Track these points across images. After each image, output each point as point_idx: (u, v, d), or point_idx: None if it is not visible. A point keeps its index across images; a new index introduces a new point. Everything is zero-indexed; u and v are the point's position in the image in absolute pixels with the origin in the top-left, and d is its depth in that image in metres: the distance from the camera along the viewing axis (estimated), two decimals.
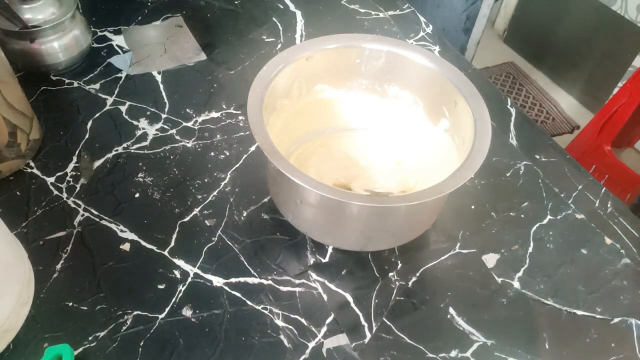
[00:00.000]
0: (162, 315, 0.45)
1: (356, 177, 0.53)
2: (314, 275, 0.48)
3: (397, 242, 0.49)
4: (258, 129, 0.43)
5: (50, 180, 0.53)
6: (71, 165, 0.54)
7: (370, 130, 0.57)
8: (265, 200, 0.53)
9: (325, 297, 0.47)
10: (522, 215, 0.54)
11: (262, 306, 0.46)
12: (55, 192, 0.52)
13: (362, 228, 0.46)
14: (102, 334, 0.43)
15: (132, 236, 0.49)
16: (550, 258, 0.51)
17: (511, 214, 0.54)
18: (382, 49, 0.51)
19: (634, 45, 1.42)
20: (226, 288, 0.47)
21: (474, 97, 0.47)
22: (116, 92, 0.61)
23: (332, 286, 0.48)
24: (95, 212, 0.51)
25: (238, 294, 0.47)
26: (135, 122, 0.59)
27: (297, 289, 0.47)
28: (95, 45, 0.66)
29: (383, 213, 0.44)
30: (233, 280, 0.47)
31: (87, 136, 0.57)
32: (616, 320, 0.47)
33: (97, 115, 0.59)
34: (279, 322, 0.45)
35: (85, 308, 0.45)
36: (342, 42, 0.51)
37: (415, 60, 0.50)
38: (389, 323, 0.46)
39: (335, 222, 0.46)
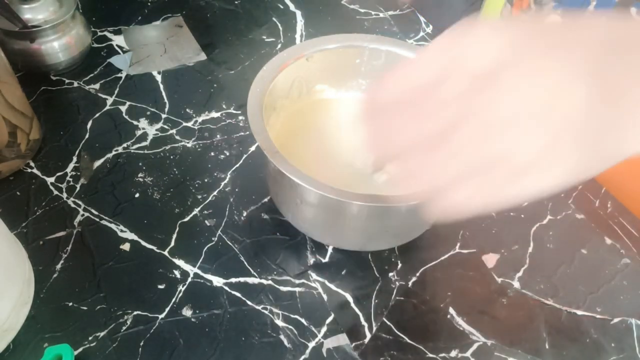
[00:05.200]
0: (162, 315, 0.45)
1: (355, 176, 0.52)
2: (314, 275, 0.48)
3: (397, 242, 0.49)
4: (258, 128, 0.42)
5: (50, 180, 0.53)
6: (71, 165, 0.54)
7: None
8: (265, 200, 0.53)
9: (325, 297, 0.47)
10: (522, 215, 0.54)
11: (262, 306, 0.46)
12: (55, 192, 0.52)
13: (362, 228, 0.46)
14: (102, 334, 0.43)
15: (132, 236, 0.50)
16: (550, 258, 0.51)
17: (511, 214, 0.54)
18: (382, 48, 0.51)
19: None
20: (226, 288, 0.47)
21: None
22: (116, 92, 0.61)
23: (332, 286, 0.48)
24: (95, 212, 0.51)
25: (238, 294, 0.47)
26: (135, 122, 0.59)
27: (297, 289, 0.47)
28: (95, 45, 0.66)
29: (383, 213, 0.44)
30: (233, 280, 0.47)
31: (87, 136, 0.57)
32: (616, 320, 0.47)
33: (97, 115, 0.59)
34: (279, 322, 0.45)
35: (85, 308, 0.45)
36: (342, 42, 0.51)
37: None
38: (389, 323, 0.46)
39: (335, 222, 0.46)
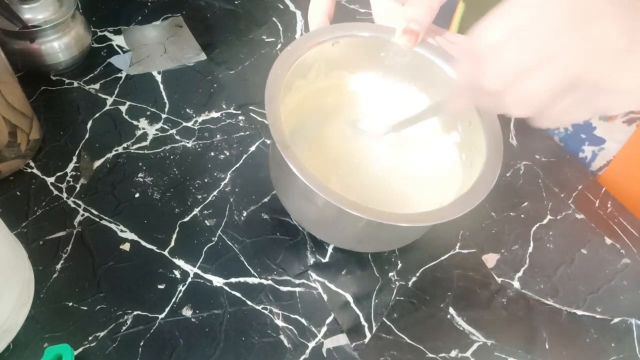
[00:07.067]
0: (162, 315, 0.45)
1: (353, 174, 0.52)
2: (314, 275, 0.48)
3: (392, 247, 0.49)
4: (274, 119, 0.41)
5: (50, 180, 0.53)
6: (71, 165, 0.54)
7: (377, 125, 0.56)
8: (266, 200, 0.53)
9: (325, 297, 0.47)
10: (522, 215, 0.54)
11: (262, 306, 0.46)
12: (55, 192, 0.52)
13: (358, 234, 0.46)
14: (102, 334, 0.43)
15: (132, 236, 0.50)
16: (550, 258, 0.51)
17: (511, 214, 0.54)
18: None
19: None
20: (226, 288, 0.47)
21: (492, 125, 0.44)
22: (116, 92, 0.61)
23: (332, 286, 0.48)
24: (95, 212, 0.51)
25: (238, 294, 0.47)
26: (135, 122, 0.59)
27: (297, 289, 0.47)
28: (95, 45, 0.66)
29: (378, 225, 0.44)
30: (233, 280, 0.48)
31: (87, 136, 0.57)
32: (616, 320, 0.47)
33: (97, 115, 0.59)
34: (279, 322, 0.45)
35: (85, 308, 0.45)
36: (371, 32, 0.49)
37: (442, 67, 0.48)
38: (389, 323, 0.46)
39: (331, 222, 0.46)
